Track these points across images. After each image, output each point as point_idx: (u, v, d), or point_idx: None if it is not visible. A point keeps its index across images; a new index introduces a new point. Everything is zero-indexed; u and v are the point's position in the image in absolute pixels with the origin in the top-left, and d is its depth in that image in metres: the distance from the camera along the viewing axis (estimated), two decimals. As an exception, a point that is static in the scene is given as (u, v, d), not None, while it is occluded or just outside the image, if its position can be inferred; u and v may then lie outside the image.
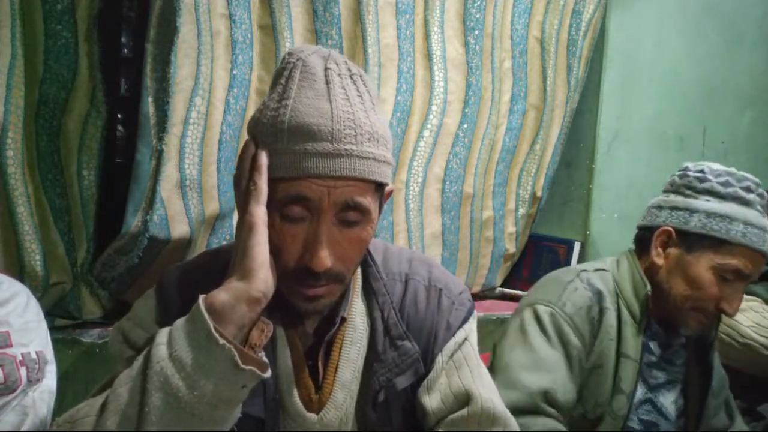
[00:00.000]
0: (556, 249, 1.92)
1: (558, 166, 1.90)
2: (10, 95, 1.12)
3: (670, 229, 1.16)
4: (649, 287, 1.16)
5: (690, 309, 1.14)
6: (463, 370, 0.85)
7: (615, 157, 1.93)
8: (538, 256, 1.96)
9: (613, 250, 1.95)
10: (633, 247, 1.26)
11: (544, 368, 1.07)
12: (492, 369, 1.10)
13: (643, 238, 1.22)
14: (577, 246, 1.87)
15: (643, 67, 1.94)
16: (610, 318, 1.15)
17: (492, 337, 1.70)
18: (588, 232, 1.91)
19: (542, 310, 1.13)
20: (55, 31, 1.15)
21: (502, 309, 1.80)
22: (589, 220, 1.91)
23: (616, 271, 1.22)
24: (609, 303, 1.16)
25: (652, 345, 1.19)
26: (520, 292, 1.91)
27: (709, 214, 1.12)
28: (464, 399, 0.82)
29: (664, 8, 1.95)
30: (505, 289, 1.93)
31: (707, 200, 1.14)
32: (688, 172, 1.19)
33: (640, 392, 1.17)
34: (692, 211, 1.14)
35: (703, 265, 1.12)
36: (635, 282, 1.18)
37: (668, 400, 1.21)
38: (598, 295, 1.16)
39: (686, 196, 1.17)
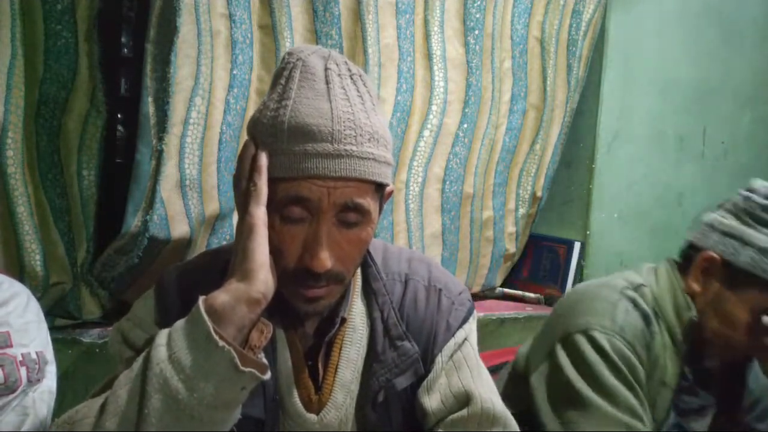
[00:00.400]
0: (556, 249, 1.92)
1: (558, 166, 1.90)
2: (10, 95, 1.12)
3: (716, 256, 1.03)
4: (694, 312, 1.05)
5: (722, 345, 1.05)
6: (462, 371, 0.85)
7: (615, 157, 1.93)
8: (538, 256, 1.96)
9: (613, 250, 1.96)
10: (674, 257, 1.15)
11: (628, 406, 0.97)
12: (558, 404, 1.02)
13: (688, 256, 1.10)
14: (577, 246, 1.87)
15: (643, 67, 1.94)
16: (658, 344, 1.05)
17: (492, 337, 1.71)
18: (588, 232, 1.91)
19: (600, 337, 1.00)
20: (55, 31, 1.15)
21: (502, 309, 1.80)
22: (589, 220, 1.91)
23: (654, 286, 1.10)
24: (656, 327, 1.05)
25: (686, 369, 1.08)
26: (520, 292, 1.91)
27: (763, 251, 0.99)
28: (464, 399, 0.82)
29: (664, 8, 1.95)
30: (505, 289, 1.93)
31: (766, 234, 1.00)
32: (754, 196, 1.05)
33: (671, 418, 1.07)
34: (745, 242, 1.01)
35: (743, 306, 1.01)
36: (678, 303, 1.07)
37: (700, 426, 1.12)
38: (646, 318, 1.05)
39: (743, 222, 1.03)
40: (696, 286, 1.06)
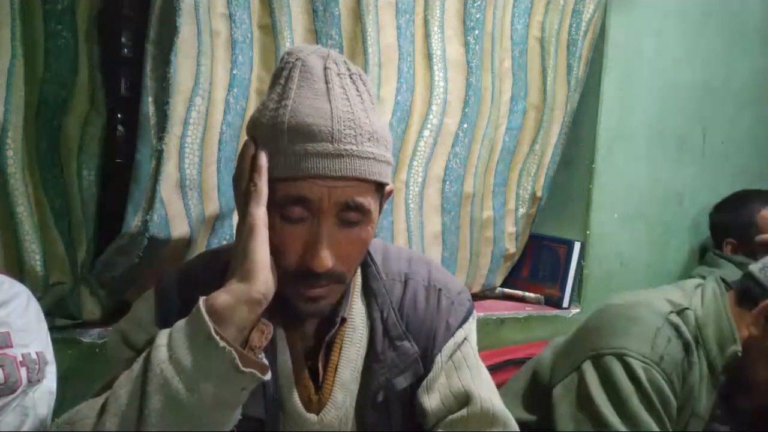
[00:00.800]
0: (556, 249, 1.92)
1: (558, 166, 1.90)
2: (10, 96, 1.12)
3: None
4: (739, 347, 1.00)
5: (764, 392, 1.02)
6: (462, 371, 0.85)
7: (615, 157, 1.93)
8: (538, 256, 1.96)
9: (613, 249, 1.96)
10: (721, 274, 1.12)
11: None
12: (580, 424, 0.98)
13: (750, 292, 1.04)
14: (577, 246, 1.87)
15: (643, 67, 1.94)
16: (696, 374, 1.01)
17: (492, 337, 1.71)
18: (588, 232, 1.91)
19: (636, 365, 0.96)
20: (55, 31, 1.15)
21: (502, 309, 1.80)
22: (589, 220, 1.90)
23: (699, 309, 1.05)
24: (695, 356, 1.01)
25: (720, 400, 1.05)
26: (520, 292, 1.91)
27: None
28: (464, 399, 0.82)
29: (665, 8, 1.95)
30: (505, 289, 1.93)
31: None
32: None
33: None
34: None
35: None
36: (722, 333, 1.02)
37: None
38: (687, 348, 1.01)
39: None
40: (755, 331, 1.01)
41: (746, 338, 1.02)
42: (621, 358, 0.97)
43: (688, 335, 1.01)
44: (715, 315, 1.04)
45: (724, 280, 1.11)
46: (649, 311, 1.04)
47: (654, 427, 0.95)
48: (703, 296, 1.08)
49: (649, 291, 1.14)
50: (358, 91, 0.75)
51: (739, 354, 1.01)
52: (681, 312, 1.05)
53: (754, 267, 1.07)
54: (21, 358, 0.89)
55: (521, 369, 1.24)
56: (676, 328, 1.01)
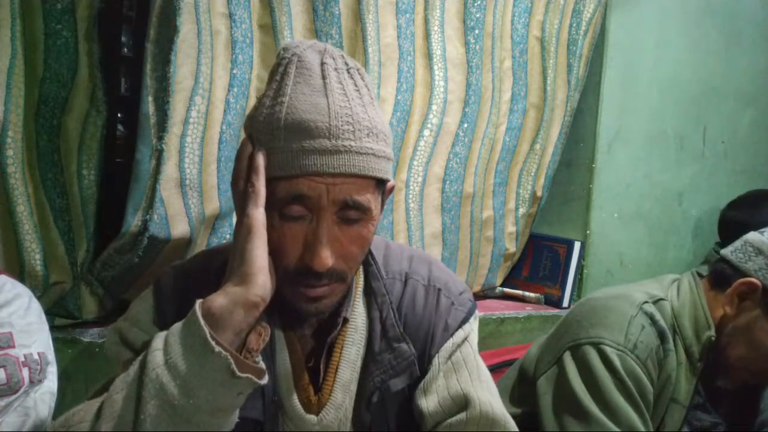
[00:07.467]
0: (556, 248, 1.91)
1: (558, 166, 1.90)
2: (10, 95, 1.12)
3: (759, 284, 1.01)
4: (713, 332, 1.03)
5: (743, 368, 1.05)
6: (461, 373, 0.84)
7: (615, 157, 1.93)
8: (538, 255, 1.96)
9: (613, 250, 1.97)
10: (698, 268, 1.13)
11: (630, 425, 0.96)
12: (560, 414, 1.00)
13: (723, 274, 1.08)
14: (577, 246, 1.87)
15: (644, 66, 1.94)
16: (672, 361, 1.03)
17: (492, 337, 1.70)
18: (588, 232, 1.91)
19: (611, 352, 0.99)
20: (55, 31, 1.15)
21: (502, 308, 1.79)
22: (589, 219, 1.90)
23: (675, 300, 1.08)
24: (671, 344, 1.03)
25: (700, 386, 1.07)
26: (520, 292, 1.91)
27: None
28: (462, 403, 0.81)
29: (665, 8, 1.95)
30: (505, 289, 1.93)
31: None
32: None
33: None
34: None
35: None
36: (698, 321, 1.05)
37: None
38: (662, 335, 1.03)
39: None
40: (729, 310, 1.04)
41: (720, 319, 1.05)
42: (597, 346, 1.00)
43: (663, 323, 1.04)
44: (691, 304, 1.07)
45: (699, 273, 1.13)
46: (624, 302, 1.06)
47: (631, 412, 0.97)
48: (679, 288, 1.11)
49: (629, 285, 1.17)
50: (356, 86, 0.73)
51: (713, 339, 1.03)
52: (657, 302, 1.07)
53: (726, 251, 1.10)
54: (23, 359, 0.89)
55: (510, 368, 1.25)
56: (650, 317, 1.04)
